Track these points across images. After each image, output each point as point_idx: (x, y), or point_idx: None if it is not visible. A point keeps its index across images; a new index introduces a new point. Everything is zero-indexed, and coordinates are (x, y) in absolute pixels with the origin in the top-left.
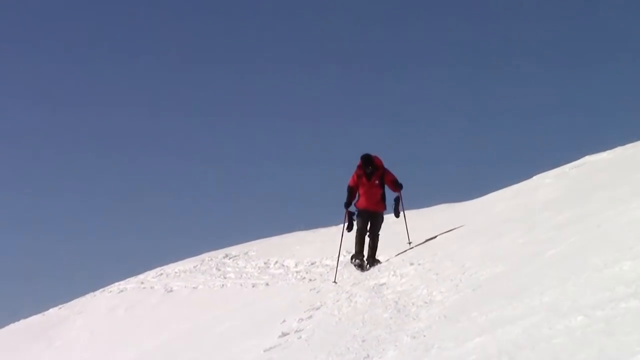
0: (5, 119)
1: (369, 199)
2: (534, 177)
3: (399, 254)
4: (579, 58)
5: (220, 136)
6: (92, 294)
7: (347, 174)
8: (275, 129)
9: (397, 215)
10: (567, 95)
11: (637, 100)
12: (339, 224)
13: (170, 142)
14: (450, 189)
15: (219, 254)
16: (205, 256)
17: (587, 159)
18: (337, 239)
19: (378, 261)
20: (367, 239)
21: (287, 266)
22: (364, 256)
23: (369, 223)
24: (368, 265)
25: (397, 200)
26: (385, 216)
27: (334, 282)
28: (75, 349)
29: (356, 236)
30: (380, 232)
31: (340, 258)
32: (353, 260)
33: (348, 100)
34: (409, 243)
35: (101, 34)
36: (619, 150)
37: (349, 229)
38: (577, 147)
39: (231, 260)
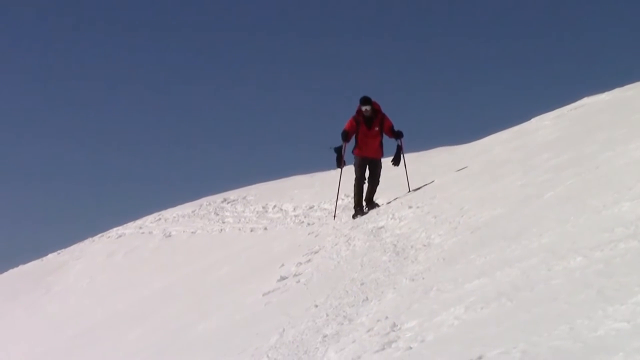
0: None
1: (368, 147)
2: (533, 120)
3: (397, 198)
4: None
5: (217, 79)
6: (90, 239)
7: (346, 116)
8: (273, 73)
9: (396, 164)
10: (565, 37)
11: (636, 42)
12: (336, 167)
13: (169, 86)
14: (449, 132)
15: (217, 198)
16: (204, 201)
17: (586, 100)
18: (336, 183)
19: (376, 204)
20: (365, 185)
21: (285, 210)
22: (363, 208)
23: (368, 170)
24: (367, 208)
25: (398, 149)
26: (383, 160)
27: (334, 216)
28: (74, 294)
29: (354, 188)
30: (380, 178)
31: (339, 201)
32: (354, 217)
33: (346, 42)
34: (409, 191)
35: None
36: (617, 92)
37: (339, 164)
38: (575, 89)
39: (229, 204)
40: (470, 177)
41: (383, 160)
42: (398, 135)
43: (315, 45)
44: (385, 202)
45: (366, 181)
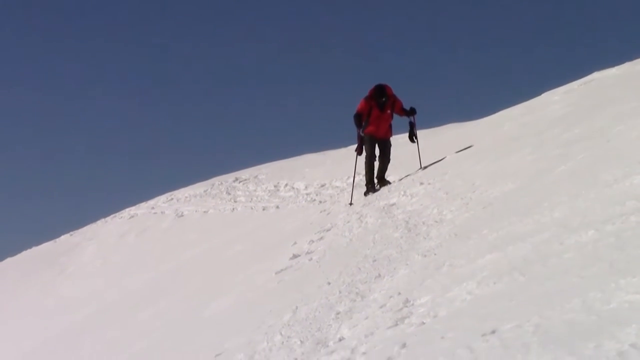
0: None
1: (379, 128)
2: (543, 95)
3: (409, 175)
4: None
5: (230, 59)
6: (103, 219)
7: (356, 95)
8: (284, 50)
9: (412, 140)
10: (575, 12)
11: None
12: (348, 145)
13: (181, 66)
14: (459, 108)
15: (229, 177)
16: (216, 180)
17: (596, 75)
18: (347, 161)
19: (387, 182)
20: (376, 164)
21: (297, 189)
22: (375, 186)
23: (378, 148)
24: (378, 186)
25: (411, 125)
26: (393, 139)
27: (350, 204)
28: (87, 274)
29: (365, 165)
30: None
31: (354, 180)
32: (366, 195)
33: (355, 21)
34: (421, 168)
35: None
36: (627, 66)
37: (359, 152)
38: (585, 64)
39: (241, 183)
40: (481, 153)
41: (393, 139)
42: (411, 112)
43: (325, 23)
44: (396, 179)
45: (377, 159)
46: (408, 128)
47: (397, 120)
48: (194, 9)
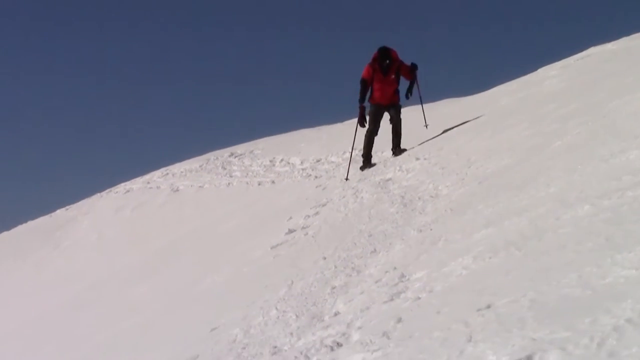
0: None
1: (384, 94)
2: (539, 70)
3: (404, 150)
4: None
5: (224, 32)
6: (98, 194)
7: (351, 71)
8: (280, 27)
9: (407, 97)
10: None
11: None
12: (343, 120)
13: (175, 39)
14: (455, 83)
15: (225, 152)
16: (211, 155)
17: (592, 50)
18: (342, 136)
19: (404, 149)
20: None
21: (292, 164)
22: (371, 160)
23: (388, 113)
24: (395, 154)
25: (411, 83)
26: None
27: (346, 179)
28: (82, 249)
29: (365, 139)
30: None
31: (351, 155)
32: (362, 169)
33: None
34: (426, 126)
35: None
36: (624, 41)
37: (362, 123)
38: (581, 39)
39: (237, 158)
40: (477, 128)
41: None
42: (413, 69)
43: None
44: (391, 154)
45: (377, 135)
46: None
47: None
48: None
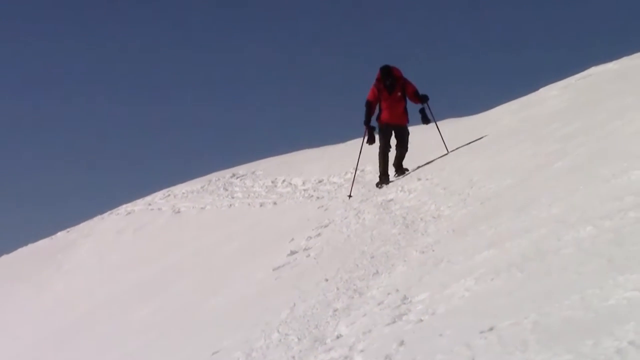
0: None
1: (392, 113)
2: (540, 90)
3: (431, 162)
4: None
5: (227, 53)
6: (100, 216)
7: (355, 91)
8: (282, 45)
9: (426, 122)
10: (573, 7)
11: None
12: (345, 141)
13: (178, 61)
14: (457, 103)
15: (226, 173)
16: (213, 176)
17: (593, 70)
18: (344, 156)
19: (405, 169)
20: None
21: (294, 184)
22: (388, 177)
23: (395, 138)
24: (395, 175)
25: (422, 112)
26: (411, 129)
27: (349, 196)
28: (84, 271)
29: (379, 156)
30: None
31: (355, 173)
32: (379, 185)
33: (354, 19)
34: (447, 152)
35: None
36: (625, 61)
37: (370, 142)
38: (582, 58)
39: (238, 179)
40: (479, 148)
41: (411, 128)
42: (423, 99)
43: (324, 17)
44: (415, 167)
45: (392, 148)
46: (420, 116)
47: (411, 108)
48: (192, 5)
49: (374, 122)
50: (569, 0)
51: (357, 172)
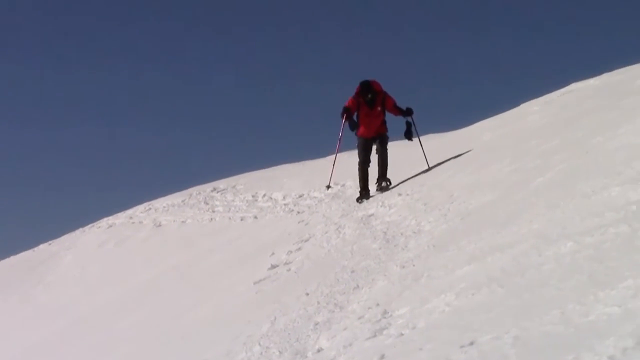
0: None
1: (371, 127)
2: (522, 105)
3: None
4: None
5: (207, 67)
6: (81, 229)
7: (332, 106)
8: (261, 62)
9: (409, 138)
10: (553, 21)
11: (623, 25)
12: (326, 156)
13: (155, 75)
14: (438, 119)
15: (207, 187)
16: (193, 190)
17: (574, 86)
18: (325, 171)
19: (389, 181)
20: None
21: (275, 199)
22: (369, 192)
23: (375, 145)
24: (378, 187)
25: (408, 125)
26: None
27: (328, 187)
28: (65, 284)
29: (359, 170)
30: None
31: (334, 165)
32: (359, 200)
33: (331, 29)
34: (428, 167)
35: None
36: (605, 77)
37: (353, 127)
38: (563, 74)
39: (219, 193)
40: (459, 164)
41: (392, 143)
42: (408, 112)
43: (300, 34)
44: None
45: (371, 163)
46: (405, 128)
47: (393, 121)
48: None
49: (350, 133)
50: (551, 16)
51: (334, 187)
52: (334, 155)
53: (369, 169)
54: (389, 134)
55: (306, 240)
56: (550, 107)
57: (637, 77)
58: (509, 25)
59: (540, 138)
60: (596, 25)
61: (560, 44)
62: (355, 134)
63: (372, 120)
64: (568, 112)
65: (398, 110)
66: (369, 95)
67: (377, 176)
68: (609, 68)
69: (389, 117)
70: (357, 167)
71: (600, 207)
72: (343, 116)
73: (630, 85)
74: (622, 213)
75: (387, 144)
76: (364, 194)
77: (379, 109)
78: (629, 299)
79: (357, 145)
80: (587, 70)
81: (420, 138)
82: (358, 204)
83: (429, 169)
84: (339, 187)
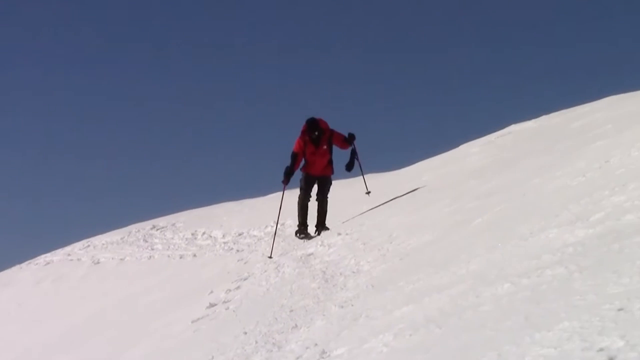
0: None
1: (317, 166)
2: (461, 146)
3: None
4: (501, 25)
5: (144, 105)
6: (18, 266)
7: (275, 144)
8: (203, 98)
9: (349, 169)
10: (492, 65)
11: (563, 68)
12: (266, 194)
13: (102, 106)
14: (377, 159)
15: (146, 225)
16: (133, 227)
17: (513, 127)
18: (264, 210)
19: (327, 228)
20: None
21: (214, 237)
22: (307, 227)
23: (317, 187)
24: (316, 232)
25: (352, 152)
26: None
27: (270, 257)
28: (1, 321)
29: (298, 205)
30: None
31: (275, 233)
32: (298, 235)
33: (270, 63)
34: (368, 193)
35: None
36: (544, 119)
37: (286, 181)
38: (502, 116)
39: (158, 231)
40: (399, 204)
41: (333, 182)
42: (350, 139)
43: (237, 71)
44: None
45: (312, 199)
46: (349, 158)
47: (338, 157)
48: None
49: (298, 171)
50: (492, 58)
51: (274, 226)
52: (275, 225)
53: (309, 205)
54: (335, 173)
55: (245, 279)
56: (490, 148)
57: (573, 120)
58: (449, 67)
59: (479, 179)
60: (535, 67)
61: (500, 85)
62: (301, 169)
63: (317, 160)
64: (506, 154)
65: (346, 143)
66: (316, 133)
67: (315, 223)
68: (547, 111)
69: (337, 153)
70: (297, 203)
71: (537, 249)
72: (292, 162)
73: (567, 128)
74: (558, 255)
75: (329, 191)
76: (302, 229)
77: (325, 147)
78: (565, 341)
79: (300, 180)
80: (525, 112)
81: (357, 179)
82: (298, 239)
83: (369, 192)
84: (279, 226)
